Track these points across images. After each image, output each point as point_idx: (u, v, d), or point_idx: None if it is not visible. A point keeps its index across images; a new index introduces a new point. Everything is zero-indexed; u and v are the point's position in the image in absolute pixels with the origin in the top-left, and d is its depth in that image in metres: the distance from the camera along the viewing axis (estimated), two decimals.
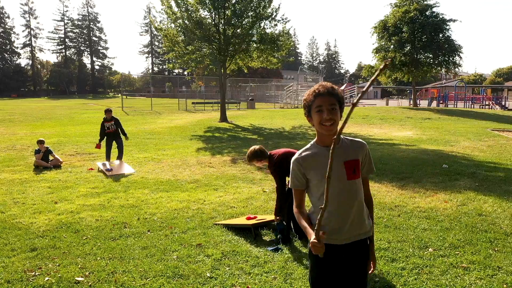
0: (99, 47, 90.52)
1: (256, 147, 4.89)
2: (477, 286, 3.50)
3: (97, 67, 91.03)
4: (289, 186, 2.21)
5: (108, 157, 9.91)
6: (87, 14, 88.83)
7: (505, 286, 3.49)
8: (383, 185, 7.25)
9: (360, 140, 2.19)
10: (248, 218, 5.14)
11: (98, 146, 9.99)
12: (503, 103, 35.01)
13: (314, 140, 2.15)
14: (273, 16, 20.32)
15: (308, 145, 2.16)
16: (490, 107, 34.55)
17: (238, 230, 4.99)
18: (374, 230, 2.38)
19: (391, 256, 4.13)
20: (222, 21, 19.94)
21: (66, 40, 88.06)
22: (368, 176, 2.24)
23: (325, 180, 1.86)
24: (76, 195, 6.91)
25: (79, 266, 4.00)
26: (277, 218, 4.71)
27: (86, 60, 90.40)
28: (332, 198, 1.92)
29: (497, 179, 7.60)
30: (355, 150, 2.13)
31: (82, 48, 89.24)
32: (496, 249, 4.29)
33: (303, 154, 2.13)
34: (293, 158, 2.16)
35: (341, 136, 2.05)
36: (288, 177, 2.30)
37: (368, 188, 2.26)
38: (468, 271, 3.79)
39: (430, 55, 31.12)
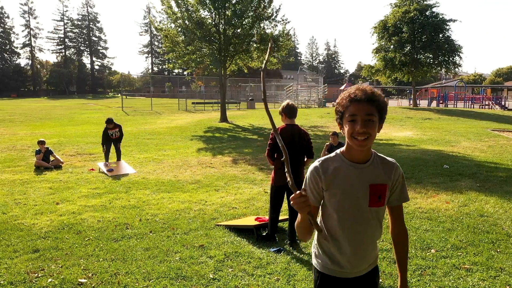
0: (99, 47, 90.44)
1: (291, 102, 4.74)
2: (480, 287, 3.51)
3: (96, 67, 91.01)
4: None
5: (106, 159, 9.92)
6: (87, 14, 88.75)
7: (508, 287, 3.49)
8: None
9: (393, 160, 1.86)
10: (257, 219, 5.11)
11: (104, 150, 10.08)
12: (503, 103, 35.03)
13: (340, 150, 1.80)
14: (273, 17, 20.33)
15: (333, 154, 1.80)
16: (490, 107, 34.57)
17: (240, 231, 4.99)
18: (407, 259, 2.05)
19: (393, 257, 4.12)
20: (223, 21, 19.96)
21: (66, 40, 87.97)
22: (401, 205, 1.88)
23: (349, 203, 1.71)
24: (78, 195, 6.91)
25: (82, 267, 4.00)
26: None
27: (86, 60, 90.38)
28: (347, 225, 1.73)
29: (498, 180, 7.61)
30: (385, 173, 1.79)
31: (81, 48, 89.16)
32: (498, 250, 4.29)
33: (326, 164, 1.77)
34: (312, 165, 1.79)
35: (372, 150, 1.79)
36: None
37: (401, 218, 1.89)
38: (471, 272, 3.79)
39: (430, 55, 31.16)
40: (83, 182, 7.98)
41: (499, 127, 18.27)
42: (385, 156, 1.85)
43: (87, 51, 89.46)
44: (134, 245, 4.59)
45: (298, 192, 1.54)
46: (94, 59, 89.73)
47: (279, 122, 4.72)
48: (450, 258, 4.11)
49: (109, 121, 9.98)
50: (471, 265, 3.92)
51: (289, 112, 4.63)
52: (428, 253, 4.24)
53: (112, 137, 10.00)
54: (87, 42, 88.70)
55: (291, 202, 1.55)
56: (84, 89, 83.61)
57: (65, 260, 4.17)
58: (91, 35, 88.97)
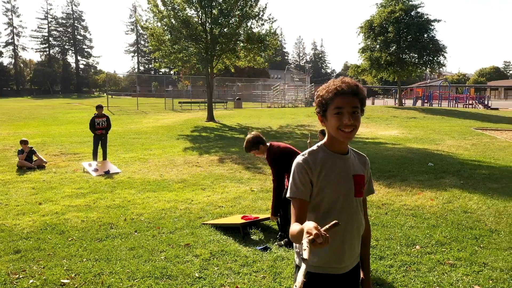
0: (84, 46, 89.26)
1: (252, 134, 4.56)
2: (464, 282, 3.54)
3: (81, 66, 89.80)
4: (288, 195, 1.76)
5: (95, 156, 9.79)
6: (72, 13, 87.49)
7: (490, 282, 3.53)
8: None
9: (362, 153, 1.92)
10: (244, 218, 5.09)
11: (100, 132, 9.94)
12: (486, 102, 35.64)
13: (322, 142, 1.80)
14: (259, 16, 20.31)
15: (315, 147, 1.79)
16: (474, 106, 35.13)
17: (226, 229, 4.96)
18: (370, 261, 2.04)
19: (379, 254, 4.16)
20: (209, 20, 19.85)
21: (50, 38, 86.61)
22: (366, 198, 1.92)
23: (337, 193, 1.67)
24: (61, 195, 6.79)
25: (65, 268, 3.92)
26: (274, 217, 4.60)
27: (71, 59, 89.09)
28: (335, 215, 1.67)
29: (481, 177, 7.72)
30: (361, 165, 1.85)
31: (66, 47, 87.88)
32: (481, 245, 4.35)
33: (312, 156, 1.75)
34: (297, 160, 1.75)
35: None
36: (287, 173, 1.92)
37: (366, 211, 1.92)
38: (455, 267, 3.83)
39: (415, 55, 31.50)
40: (67, 182, 7.85)
41: (482, 125, 18.57)
42: (355, 149, 1.89)
43: (72, 50, 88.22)
44: (119, 244, 4.53)
45: (322, 232, 1.29)
46: (79, 58, 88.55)
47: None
48: (434, 254, 4.15)
49: (99, 106, 9.90)
50: (455, 261, 3.97)
51: (263, 140, 4.56)
52: (413, 249, 4.27)
53: (98, 126, 9.85)
54: (71, 41, 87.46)
55: (309, 239, 1.28)
56: (69, 88, 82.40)
57: (47, 261, 4.09)
58: (76, 33, 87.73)
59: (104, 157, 9.90)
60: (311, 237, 1.28)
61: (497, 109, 32.05)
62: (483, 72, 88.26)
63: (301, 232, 1.38)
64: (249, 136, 4.55)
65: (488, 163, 9.20)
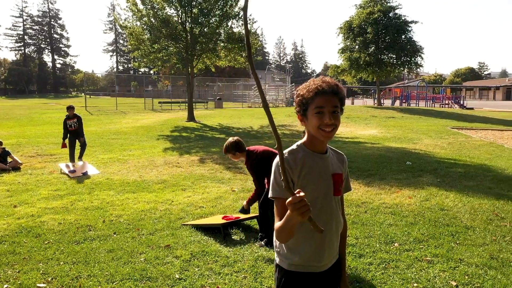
0: (61, 45, 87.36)
1: (233, 139, 4.57)
2: (441, 278, 3.62)
3: (58, 66, 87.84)
4: (270, 195, 1.74)
5: (72, 158, 9.61)
6: (48, 11, 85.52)
7: (466, 277, 3.62)
8: (350, 183, 7.37)
9: (341, 152, 1.93)
10: (225, 218, 5.06)
11: (63, 145, 9.79)
12: (461, 102, 36.51)
13: (302, 141, 1.79)
14: (240, 16, 20.28)
15: (294, 146, 1.78)
16: (450, 106, 35.95)
17: (207, 230, 4.94)
18: (346, 259, 2.05)
19: (358, 251, 4.21)
20: (189, 19, 19.73)
21: (25, 37, 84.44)
22: (343, 195, 1.94)
23: (317, 193, 1.67)
24: (37, 198, 6.63)
25: (41, 271, 3.83)
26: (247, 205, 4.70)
27: (47, 58, 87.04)
28: (315, 214, 1.62)
29: (457, 175, 7.91)
30: (339, 163, 1.86)
31: (42, 45, 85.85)
32: (457, 242, 4.45)
33: (293, 155, 1.74)
34: (277, 159, 1.72)
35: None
36: (267, 177, 1.90)
37: (343, 209, 1.94)
38: (432, 264, 3.91)
39: (393, 56, 32.02)
40: (43, 184, 7.67)
41: (458, 125, 19.02)
42: (333, 148, 1.90)
43: (48, 49, 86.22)
44: (97, 247, 4.45)
45: (298, 195, 1.38)
46: (55, 57, 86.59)
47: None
48: (412, 251, 4.23)
49: (70, 107, 9.69)
50: (433, 257, 4.05)
51: (242, 147, 4.54)
52: (392, 247, 4.34)
53: (71, 128, 9.67)
54: (48, 40, 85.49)
55: (290, 209, 1.39)
56: (45, 88, 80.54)
57: (22, 265, 3.99)
58: (52, 32, 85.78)
59: (81, 156, 9.72)
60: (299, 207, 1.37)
61: (472, 108, 32.88)
62: (459, 72, 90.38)
63: (285, 221, 1.51)
64: (230, 139, 4.59)
65: (463, 162, 9.42)
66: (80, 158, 9.73)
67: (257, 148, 4.62)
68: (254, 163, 4.47)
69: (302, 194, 1.38)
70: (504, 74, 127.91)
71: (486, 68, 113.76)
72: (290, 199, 1.39)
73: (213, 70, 24.17)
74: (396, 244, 4.40)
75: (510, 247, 4.29)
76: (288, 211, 1.44)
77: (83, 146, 9.87)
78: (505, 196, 6.34)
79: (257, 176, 4.49)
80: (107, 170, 8.93)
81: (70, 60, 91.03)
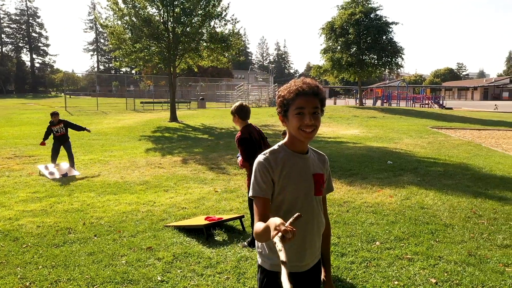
0: (40, 44, 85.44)
1: (242, 103, 4.52)
2: (421, 275, 3.68)
3: (37, 65, 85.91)
4: (250, 195, 1.75)
5: (53, 160, 9.24)
6: (26, 9, 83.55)
7: (445, 274, 3.69)
8: (333, 182, 7.43)
9: (322, 152, 1.95)
10: (207, 219, 5.03)
11: (42, 143, 9.30)
12: (441, 102, 37.23)
13: (283, 142, 1.81)
14: (222, 16, 20.23)
15: (276, 147, 1.80)
16: (430, 106, 36.62)
17: (189, 231, 4.90)
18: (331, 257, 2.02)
19: (341, 251, 4.24)
20: (171, 19, 19.58)
21: (3, 36, 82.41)
22: (326, 196, 1.96)
23: (298, 193, 1.67)
24: (15, 200, 6.48)
25: (19, 276, 3.74)
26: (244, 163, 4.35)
27: (25, 57, 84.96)
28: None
29: (436, 174, 8.05)
30: (320, 163, 1.88)
31: (20, 44, 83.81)
32: (437, 240, 4.53)
33: (273, 155, 1.75)
34: (258, 159, 1.76)
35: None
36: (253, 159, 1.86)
37: (326, 209, 1.95)
38: (413, 262, 3.97)
39: (375, 56, 32.48)
40: (21, 186, 7.50)
41: (437, 124, 19.39)
42: (314, 148, 1.91)
43: (26, 48, 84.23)
44: (77, 250, 4.37)
45: (289, 228, 1.28)
46: (34, 56, 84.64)
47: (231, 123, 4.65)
48: (393, 249, 4.28)
49: (54, 114, 9.07)
50: (413, 255, 4.11)
51: (242, 113, 4.45)
52: (373, 246, 4.39)
53: (58, 134, 9.17)
54: (26, 39, 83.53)
55: (275, 231, 1.30)
56: (24, 88, 78.68)
57: None
58: (30, 31, 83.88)
59: (72, 164, 9.16)
60: (280, 233, 1.27)
61: (451, 108, 33.57)
62: (438, 73, 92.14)
63: (267, 229, 1.39)
64: (240, 102, 4.57)
65: (443, 161, 9.61)
66: (71, 166, 9.20)
67: (256, 136, 4.45)
68: (241, 140, 4.32)
69: (294, 230, 1.28)
70: (481, 74, 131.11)
71: (465, 69, 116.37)
72: (281, 227, 1.29)
73: (195, 70, 24.04)
74: (377, 243, 4.46)
75: (487, 244, 4.39)
76: (268, 224, 1.37)
77: (70, 153, 9.32)
78: (482, 194, 6.48)
79: (242, 151, 4.34)
80: (88, 172, 8.78)
81: (50, 59, 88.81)
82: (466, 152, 10.84)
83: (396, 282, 3.55)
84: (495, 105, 38.63)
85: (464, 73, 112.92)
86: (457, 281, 3.56)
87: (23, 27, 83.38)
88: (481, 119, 23.22)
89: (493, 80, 77.44)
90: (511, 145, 12.59)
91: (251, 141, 4.34)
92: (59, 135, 9.21)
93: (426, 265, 3.88)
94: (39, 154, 10.86)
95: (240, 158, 4.40)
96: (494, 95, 71.20)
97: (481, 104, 46.47)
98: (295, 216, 1.34)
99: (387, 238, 4.59)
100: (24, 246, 4.51)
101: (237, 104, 4.54)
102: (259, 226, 1.54)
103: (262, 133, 4.63)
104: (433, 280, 3.57)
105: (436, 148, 11.76)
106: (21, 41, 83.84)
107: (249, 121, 4.56)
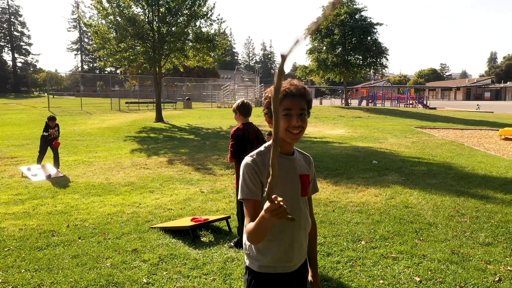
0: (22, 43, 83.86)
1: (244, 100, 4.60)
2: (406, 274, 3.72)
3: (19, 64, 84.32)
4: (239, 197, 1.74)
5: (39, 162, 9.10)
6: (7, 7, 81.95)
7: (429, 272, 3.74)
8: (318, 182, 7.43)
9: (307, 154, 1.96)
10: (193, 220, 5.00)
11: (56, 143, 9.20)
12: (425, 102, 37.76)
13: (270, 143, 1.78)
14: (208, 15, 20.16)
15: (262, 148, 1.79)
16: (414, 106, 37.11)
17: (175, 232, 4.87)
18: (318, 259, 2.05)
19: (326, 250, 4.27)
20: (156, 18, 19.42)
21: None
22: (311, 197, 1.97)
23: (285, 194, 1.64)
24: None
25: (1, 280, 3.67)
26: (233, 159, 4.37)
27: (7, 56, 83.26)
28: None
29: (420, 173, 8.16)
30: (306, 164, 1.89)
31: (2, 43, 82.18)
32: (421, 238, 4.60)
33: (261, 157, 1.75)
34: (245, 161, 1.75)
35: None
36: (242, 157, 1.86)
37: (312, 210, 1.97)
38: (397, 260, 4.01)
39: (360, 57, 32.77)
40: (3, 188, 7.35)
41: (421, 124, 19.66)
42: (299, 149, 1.93)
43: (8, 47, 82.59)
44: (61, 253, 4.30)
45: (276, 202, 1.34)
46: (16, 55, 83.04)
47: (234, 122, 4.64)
48: (378, 248, 4.33)
49: (52, 118, 9.17)
50: (398, 254, 4.16)
51: (244, 110, 4.50)
52: (358, 245, 4.43)
53: (49, 137, 9.18)
54: (8, 37, 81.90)
55: (268, 214, 1.35)
56: (5, 88, 77.08)
57: None
58: (12, 29, 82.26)
59: (57, 165, 9.13)
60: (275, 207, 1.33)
61: (434, 108, 34.09)
62: (422, 73, 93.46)
63: (260, 221, 1.46)
64: (243, 99, 4.64)
65: (427, 160, 9.74)
66: (56, 168, 9.08)
67: (249, 136, 4.45)
68: (233, 135, 4.36)
69: (280, 199, 1.35)
70: (464, 75, 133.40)
71: (448, 69, 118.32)
72: (269, 205, 1.35)
73: (181, 70, 23.90)
74: (362, 242, 4.50)
75: (470, 242, 4.47)
76: (261, 214, 1.42)
77: (56, 155, 9.24)
78: (465, 193, 6.60)
79: (231, 145, 4.35)
80: (72, 173, 8.66)
81: (32, 58, 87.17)
82: (449, 152, 11.02)
83: (381, 281, 3.59)
84: (478, 105, 39.39)
85: (447, 74, 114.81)
86: (441, 279, 3.61)
87: (4, 25, 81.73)
88: (464, 118, 23.63)
89: (475, 81, 78.93)
90: (493, 145, 12.84)
91: (243, 139, 4.36)
92: (52, 138, 9.23)
93: (411, 264, 3.93)
94: (22, 156, 10.67)
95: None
96: (476, 95, 72.58)
97: (463, 104, 47.31)
98: (288, 217, 1.37)
99: (372, 237, 4.63)
100: (6, 249, 4.42)
101: (239, 101, 4.60)
102: (251, 224, 1.55)
103: (261, 135, 4.62)
104: (417, 279, 3.62)
105: (420, 147, 11.92)
106: (3, 40, 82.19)
107: (236, 122, 4.56)
